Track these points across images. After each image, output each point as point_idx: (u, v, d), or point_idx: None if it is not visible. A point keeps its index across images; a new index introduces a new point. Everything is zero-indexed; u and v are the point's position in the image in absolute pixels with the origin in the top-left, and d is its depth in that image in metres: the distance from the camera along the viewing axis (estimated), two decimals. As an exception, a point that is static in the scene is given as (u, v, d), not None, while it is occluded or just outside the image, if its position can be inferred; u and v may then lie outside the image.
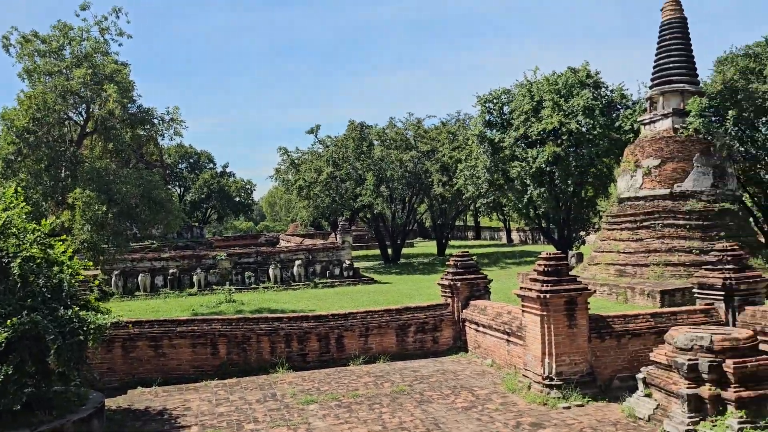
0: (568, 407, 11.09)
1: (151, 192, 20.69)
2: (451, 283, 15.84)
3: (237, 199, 70.76)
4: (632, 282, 23.60)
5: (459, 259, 16.14)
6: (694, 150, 25.76)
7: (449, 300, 16.05)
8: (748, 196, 31.46)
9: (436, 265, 41.66)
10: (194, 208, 68.12)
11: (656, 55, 27.97)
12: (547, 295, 11.48)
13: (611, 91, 32.88)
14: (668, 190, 25.65)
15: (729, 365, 9.59)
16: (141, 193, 20.51)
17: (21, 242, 10.71)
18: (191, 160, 69.68)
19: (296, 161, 43.55)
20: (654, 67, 27.98)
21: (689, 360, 9.80)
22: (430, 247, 59.88)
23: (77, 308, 10.45)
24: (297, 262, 32.54)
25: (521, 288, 12.32)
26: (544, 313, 11.65)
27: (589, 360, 11.90)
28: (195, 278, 30.97)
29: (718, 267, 13.47)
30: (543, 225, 35.84)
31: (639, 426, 10.05)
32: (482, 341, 14.83)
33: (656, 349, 10.76)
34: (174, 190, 59.41)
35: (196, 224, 55.75)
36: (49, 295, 10.35)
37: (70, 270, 11.10)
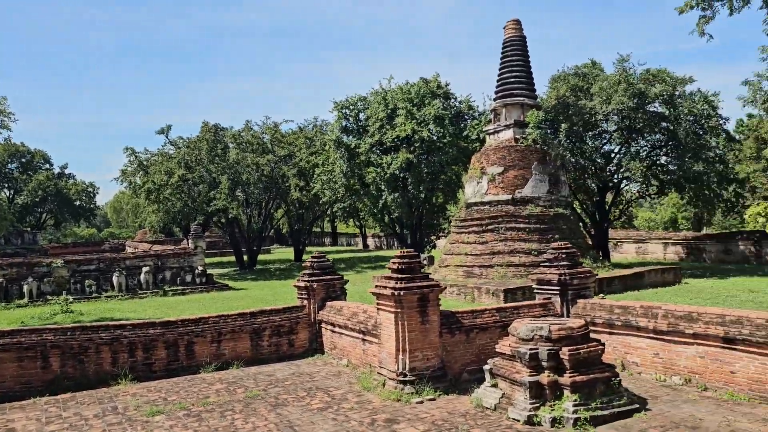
0: (421, 402, 11.37)
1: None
2: (308, 284, 15.69)
3: (77, 203, 65.26)
4: (479, 282, 24.90)
5: (315, 260, 16.04)
6: (533, 159, 27.83)
7: (305, 302, 15.88)
8: (577, 202, 34.58)
9: (293, 270, 41.24)
10: (26, 213, 61.79)
11: (499, 70, 29.91)
12: (401, 292, 11.72)
13: (459, 102, 34.65)
14: (510, 196, 27.45)
15: (564, 352, 10.37)
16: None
17: None
18: (23, 160, 63.12)
19: (145, 163, 41.09)
20: (497, 81, 29.89)
21: (530, 349, 10.46)
22: (287, 253, 59.28)
23: None
24: (144, 269, 30.63)
25: (376, 286, 12.48)
26: (398, 310, 11.88)
27: (441, 355, 12.30)
28: (26, 288, 28.07)
29: (554, 264, 14.58)
30: (397, 230, 36.82)
31: (486, 415, 10.54)
32: (338, 342, 14.83)
33: (501, 341, 11.37)
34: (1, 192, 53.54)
35: (29, 230, 50.56)
36: None
37: None
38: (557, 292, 14.21)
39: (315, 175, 36.59)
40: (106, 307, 26.33)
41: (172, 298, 29.46)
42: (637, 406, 10.36)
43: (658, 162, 31.99)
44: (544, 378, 10.25)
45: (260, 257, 48.88)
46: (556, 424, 9.80)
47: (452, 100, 34.14)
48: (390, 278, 12.21)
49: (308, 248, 57.95)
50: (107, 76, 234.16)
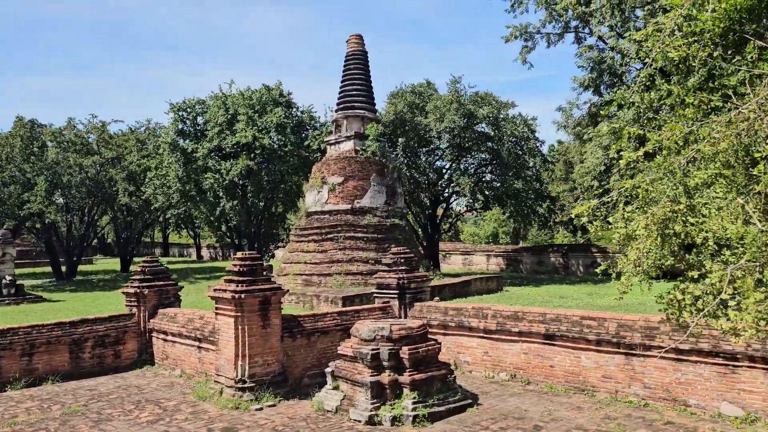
0: (260, 408, 11.06)
1: None
2: (138, 290, 14.65)
3: None
4: (317, 290, 24.92)
5: (147, 264, 15.04)
6: (372, 170, 28.56)
7: (134, 309, 14.80)
8: (411, 215, 36.11)
9: (119, 281, 38.28)
10: None
11: (341, 82, 30.42)
12: (242, 295, 11.37)
13: (301, 112, 34.67)
14: (350, 206, 27.90)
15: (405, 351, 10.68)
16: None
17: None
18: None
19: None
20: (339, 93, 30.37)
21: (372, 349, 10.64)
22: (113, 263, 54.95)
23: None
24: (-65, 280, 26.65)
25: (215, 290, 11.98)
26: (239, 314, 11.50)
27: (282, 360, 12.09)
28: None
29: (393, 269, 15.04)
30: (234, 239, 35.78)
31: (327, 418, 10.51)
32: (171, 351, 13.99)
33: (343, 343, 11.44)
34: None
35: None
36: None
37: None
38: (396, 296, 14.65)
39: (147, 179, 34.39)
40: None
41: (-29, 312, 25.91)
42: (470, 401, 10.96)
43: (483, 179, 34.44)
44: (385, 377, 10.47)
45: (82, 268, 44.81)
46: (396, 423, 10.04)
47: (294, 110, 34.05)
48: (231, 281, 11.79)
49: (136, 258, 54.26)
50: None
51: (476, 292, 26.77)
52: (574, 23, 28.41)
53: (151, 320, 14.65)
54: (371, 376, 10.49)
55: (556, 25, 28.43)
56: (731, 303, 6.97)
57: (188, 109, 33.86)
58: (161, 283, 14.97)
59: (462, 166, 33.07)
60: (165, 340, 14.17)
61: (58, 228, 37.60)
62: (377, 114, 30.80)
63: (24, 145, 35.54)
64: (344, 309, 13.95)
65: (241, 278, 11.65)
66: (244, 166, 31.01)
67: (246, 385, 11.40)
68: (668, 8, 8.15)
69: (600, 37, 26.67)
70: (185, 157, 32.42)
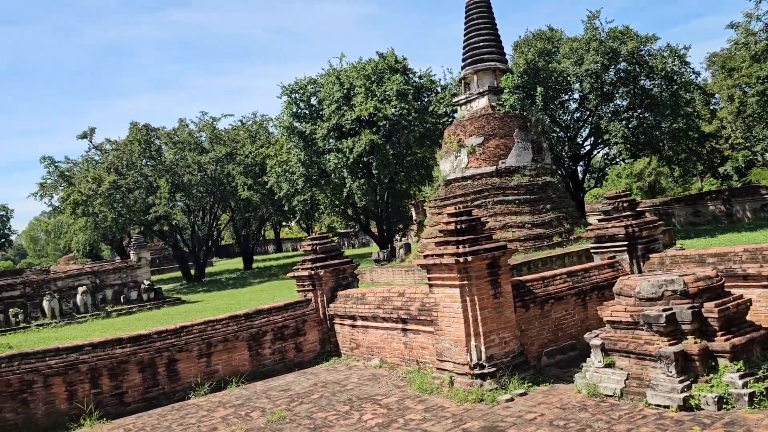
0: (511, 399, 8.51)
1: None
2: (312, 272, 12.51)
3: (-12, 230, 58.50)
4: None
5: (318, 242, 12.87)
6: (513, 126, 25.48)
7: (310, 294, 12.70)
8: (550, 173, 32.64)
9: (247, 278, 37.47)
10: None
11: (465, 34, 27.45)
12: (468, 258, 8.82)
13: (419, 77, 32.01)
14: (494, 167, 24.99)
15: (711, 308, 7.77)
16: None
17: None
18: None
19: (67, 173, 36.22)
20: (465, 47, 27.42)
21: (664, 310, 7.80)
22: (233, 263, 55.05)
23: None
24: (81, 290, 26.31)
25: (427, 255, 9.52)
26: (464, 282, 8.98)
27: (517, 336, 9.49)
28: (-66, 326, 23.29)
29: (614, 216, 12.07)
30: (362, 220, 33.76)
31: (612, 405, 7.79)
32: (363, 338, 11.75)
33: (607, 307, 8.66)
34: None
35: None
36: None
37: None
38: (624, 248, 11.66)
39: (268, 168, 32.95)
40: (40, 337, 22.06)
41: (117, 318, 25.35)
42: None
43: (631, 124, 30.45)
44: (693, 346, 7.61)
45: (206, 269, 44.70)
46: (724, 405, 7.18)
47: (411, 76, 31.44)
48: (446, 243, 9.30)
49: (256, 257, 54.12)
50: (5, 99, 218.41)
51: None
52: None
53: (330, 305, 12.48)
54: (670, 344, 7.65)
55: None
56: None
57: (300, 90, 32.06)
58: (336, 261, 12.77)
59: (609, 111, 29.26)
60: (353, 326, 11.94)
61: (182, 230, 37.15)
62: (508, 65, 27.65)
63: (142, 149, 35.16)
64: (572, 268, 11.16)
65: (461, 237, 9.12)
66: (368, 142, 28.79)
67: (485, 371, 8.88)
68: None
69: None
70: (304, 141, 30.64)
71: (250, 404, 9.93)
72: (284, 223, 66.64)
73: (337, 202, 31.76)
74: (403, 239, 32.12)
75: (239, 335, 11.56)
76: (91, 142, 37.23)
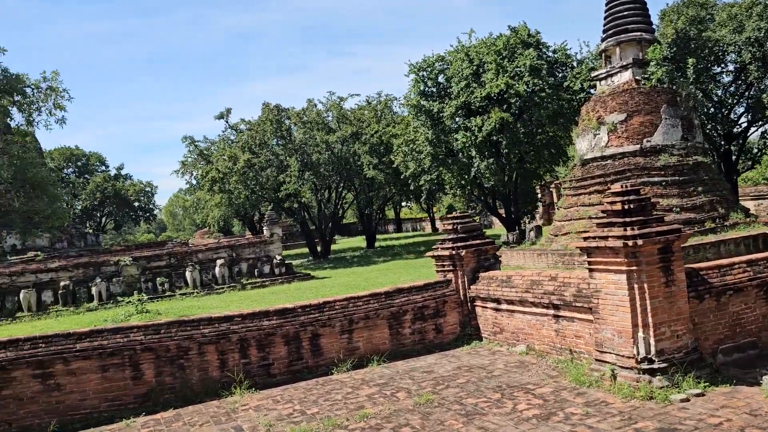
0: (687, 399, 7.63)
1: (26, 172, 15.50)
2: (453, 252, 12.08)
3: (136, 204, 63.38)
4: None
5: (459, 221, 12.41)
6: (661, 101, 23.47)
7: (450, 275, 12.29)
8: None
9: (371, 257, 37.88)
10: (87, 217, 60.27)
11: (607, 3, 25.59)
12: (638, 241, 7.97)
13: (554, 52, 30.41)
14: (638, 146, 23.20)
15: None
16: (13, 174, 15.31)
17: None
18: (79, 164, 61.51)
19: (205, 152, 38.27)
20: (606, 17, 25.58)
21: None
22: (355, 242, 56.05)
23: None
24: (219, 262, 27.68)
25: (587, 238, 8.76)
26: (633, 267, 8.14)
27: (690, 329, 8.52)
28: (94, 290, 25.42)
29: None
30: (489, 201, 32.89)
31: (818, 416, 6.73)
32: (508, 323, 11.18)
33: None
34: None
35: (90, 232, 48.67)
36: None
37: None
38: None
39: (395, 147, 32.89)
40: (184, 305, 23.43)
41: (252, 291, 26.42)
42: None
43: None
44: None
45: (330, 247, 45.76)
46: None
47: (545, 50, 29.92)
48: (611, 224, 8.48)
49: (378, 236, 54.67)
50: (147, 85, 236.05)
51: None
52: None
53: (471, 286, 12.01)
54: None
55: None
56: None
57: (428, 68, 31.54)
58: (478, 242, 12.25)
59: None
60: (496, 310, 11.40)
61: (309, 207, 38.15)
62: (655, 34, 25.49)
63: (273, 129, 36.32)
64: (753, 257, 9.87)
65: (628, 218, 8.28)
66: (498, 120, 27.80)
67: (654, 366, 8.04)
68: None
69: None
70: (431, 119, 30.17)
71: (393, 384, 9.73)
72: (404, 204, 66.98)
73: (463, 182, 31.08)
74: (531, 222, 30.94)
75: (380, 313, 11.40)
76: (227, 122, 39.12)
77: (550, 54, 30.20)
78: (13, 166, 15.16)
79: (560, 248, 22.69)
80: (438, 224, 62.27)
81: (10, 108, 18.65)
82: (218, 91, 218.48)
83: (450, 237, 12.33)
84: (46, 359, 9.25)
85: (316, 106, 38.44)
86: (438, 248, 12.57)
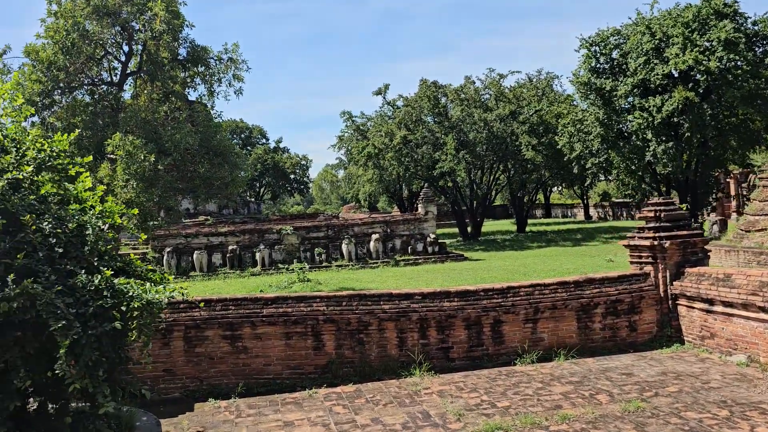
0: None
1: (210, 140, 16.17)
2: (654, 242, 10.74)
3: (292, 176, 66.41)
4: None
5: (662, 208, 11.01)
6: None
7: (648, 268, 10.97)
8: None
9: (523, 241, 36.38)
10: (248, 186, 64.40)
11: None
12: None
13: (753, 23, 26.90)
14: None
15: None
16: (198, 141, 16.02)
17: (14, 159, 6.18)
18: (243, 136, 65.44)
19: (362, 127, 38.72)
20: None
21: None
22: (502, 225, 54.53)
23: (110, 273, 5.86)
24: (374, 237, 27.82)
25: None
26: None
27: None
28: (258, 255, 26.59)
29: None
30: (662, 189, 30.10)
31: None
32: (722, 328, 9.72)
33: None
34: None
35: (253, 200, 51.64)
36: (60, 249, 5.77)
37: (99, 212, 6.54)
38: None
39: (560, 127, 31.11)
40: (341, 276, 23.73)
41: (405, 268, 26.25)
42: None
43: None
44: None
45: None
46: None
47: (743, 22, 26.55)
48: None
49: (530, 220, 52.71)
50: (305, 63, 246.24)
51: None
52: None
53: (674, 282, 10.63)
54: None
55: None
56: None
57: (602, 43, 29.28)
58: (684, 233, 10.80)
59: None
60: (708, 312, 9.97)
61: (461, 188, 37.38)
62: None
63: (430, 106, 35.82)
64: None
65: None
66: (681, 99, 25.13)
67: None
68: None
69: None
70: (602, 98, 28.02)
71: (589, 384, 8.75)
72: (554, 188, 64.16)
73: (633, 167, 28.67)
74: (712, 214, 27.91)
75: (568, 304, 10.41)
76: (384, 98, 39.25)
77: (750, 26, 26.74)
78: (199, 134, 15.81)
79: (754, 246, 20.11)
80: (591, 212, 58.93)
81: (195, 79, 19.67)
82: (369, 71, 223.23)
83: (650, 225, 10.97)
84: (235, 321, 9.36)
85: (474, 83, 37.38)
86: (635, 237, 11.26)
